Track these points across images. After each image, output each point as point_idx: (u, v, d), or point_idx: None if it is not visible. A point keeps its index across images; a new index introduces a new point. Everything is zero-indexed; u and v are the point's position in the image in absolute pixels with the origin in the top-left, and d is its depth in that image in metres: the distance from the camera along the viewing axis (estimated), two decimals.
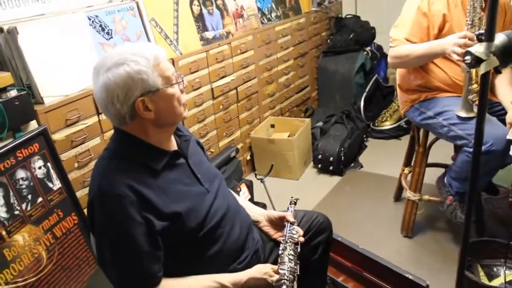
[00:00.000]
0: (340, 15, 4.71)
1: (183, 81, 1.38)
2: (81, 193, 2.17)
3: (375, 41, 4.54)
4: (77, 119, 2.15)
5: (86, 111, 2.19)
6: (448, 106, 2.20)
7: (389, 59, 2.33)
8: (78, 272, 2.00)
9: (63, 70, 2.15)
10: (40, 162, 1.90)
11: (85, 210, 1.98)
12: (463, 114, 2.10)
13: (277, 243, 1.63)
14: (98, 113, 2.24)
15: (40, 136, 1.92)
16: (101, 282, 1.78)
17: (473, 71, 1.99)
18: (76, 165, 2.17)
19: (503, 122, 2.06)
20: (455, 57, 1.98)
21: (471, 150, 1.87)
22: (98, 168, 1.35)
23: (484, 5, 2.00)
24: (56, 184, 1.96)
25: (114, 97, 1.26)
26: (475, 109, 2.02)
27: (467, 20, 2.03)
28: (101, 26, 2.37)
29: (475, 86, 2.02)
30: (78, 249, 2.02)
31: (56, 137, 2.06)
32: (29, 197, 1.83)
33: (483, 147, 1.82)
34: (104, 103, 1.29)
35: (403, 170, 2.84)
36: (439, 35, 2.18)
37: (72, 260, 1.98)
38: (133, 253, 1.26)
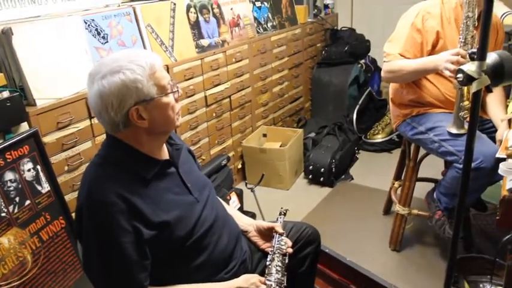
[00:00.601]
0: (335, 27, 4.74)
1: (178, 90, 1.38)
2: (70, 197, 2.16)
3: (369, 54, 4.56)
4: (69, 122, 2.14)
5: (78, 115, 2.18)
6: (440, 122, 2.21)
7: (382, 73, 2.35)
8: (63, 276, 1.98)
9: (57, 73, 2.14)
10: (29, 165, 1.89)
11: (73, 214, 1.97)
12: (454, 131, 2.11)
13: (265, 254, 1.63)
14: (90, 117, 2.24)
15: (31, 138, 1.91)
16: None
17: (465, 88, 2.01)
18: (66, 168, 2.16)
19: (493, 139, 2.08)
20: (447, 73, 2.00)
21: (461, 166, 1.88)
22: (88, 174, 1.34)
23: (476, 24, 2.02)
24: (45, 187, 1.95)
25: (108, 105, 1.25)
26: (466, 126, 2.03)
27: (460, 38, 2.05)
28: (96, 30, 2.37)
29: (466, 103, 2.04)
30: (65, 254, 2.00)
31: (46, 139, 2.05)
32: (17, 199, 1.82)
33: (473, 164, 1.83)
34: (98, 110, 1.29)
35: (393, 184, 2.84)
36: (433, 51, 2.20)
37: (57, 264, 1.96)
38: (120, 261, 1.25)
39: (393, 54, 2.24)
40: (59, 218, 1.99)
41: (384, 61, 2.30)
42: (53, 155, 2.08)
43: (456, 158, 2.09)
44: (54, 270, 1.94)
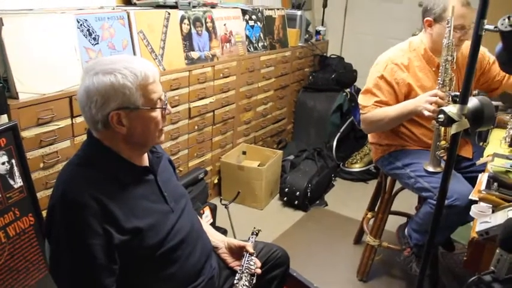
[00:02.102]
0: (325, 54, 4.79)
1: (166, 107, 1.38)
2: (42, 194, 2.12)
3: (355, 83, 4.62)
4: (50, 119, 2.12)
5: (60, 113, 2.16)
6: (417, 158, 2.25)
7: (362, 126, 2.37)
8: (26, 275, 1.94)
9: (44, 68, 2.12)
10: (4, 158, 1.86)
11: (44, 212, 1.94)
12: (431, 169, 2.14)
13: (233, 272, 1.63)
14: (72, 116, 2.22)
15: (9, 131, 1.88)
16: None
17: (442, 128, 2.05)
18: (41, 165, 2.12)
19: (468, 178, 2.11)
20: (426, 113, 2.04)
21: (435, 202, 1.91)
22: (65, 173, 1.33)
23: (455, 67, 2.08)
24: (18, 182, 1.92)
25: (92, 102, 1.27)
26: (443, 164, 2.08)
27: (438, 80, 2.10)
28: (88, 30, 2.36)
29: (443, 142, 2.08)
30: (30, 252, 1.96)
31: (25, 134, 2.02)
32: None
33: (447, 201, 1.86)
34: (82, 104, 1.30)
35: (366, 214, 2.87)
36: (407, 99, 2.24)
37: (21, 262, 1.92)
38: (88, 264, 1.24)
39: (369, 106, 2.27)
40: (29, 215, 1.96)
41: (361, 113, 2.33)
42: (30, 151, 2.05)
43: (431, 194, 2.12)
44: (17, 268, 1.90)
